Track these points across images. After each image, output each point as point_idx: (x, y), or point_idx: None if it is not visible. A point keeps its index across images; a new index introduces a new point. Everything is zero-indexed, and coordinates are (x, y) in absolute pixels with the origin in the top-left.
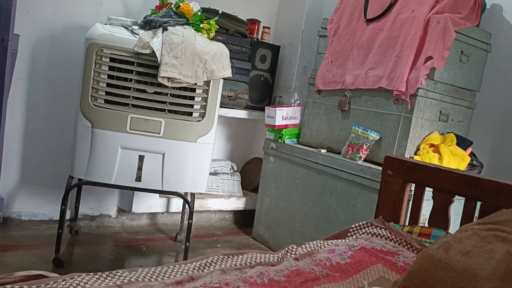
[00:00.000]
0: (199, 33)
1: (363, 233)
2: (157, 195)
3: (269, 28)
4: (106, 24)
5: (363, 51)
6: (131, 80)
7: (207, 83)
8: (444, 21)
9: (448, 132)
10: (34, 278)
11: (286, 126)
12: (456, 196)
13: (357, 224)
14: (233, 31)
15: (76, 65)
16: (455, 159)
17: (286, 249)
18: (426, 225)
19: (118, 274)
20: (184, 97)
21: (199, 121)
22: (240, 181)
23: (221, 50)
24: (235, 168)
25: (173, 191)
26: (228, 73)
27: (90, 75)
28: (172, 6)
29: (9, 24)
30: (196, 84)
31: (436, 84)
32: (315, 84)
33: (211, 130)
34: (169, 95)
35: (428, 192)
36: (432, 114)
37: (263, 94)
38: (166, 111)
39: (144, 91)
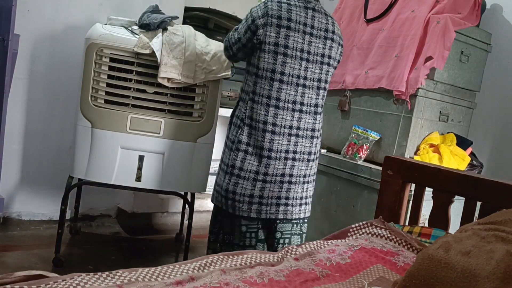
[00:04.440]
0: (199, 33)
1: (363, 233)
2: (157, 195)
3: None
4: (106, 24)
5: (363, 51)
6: (131, 80)
7: (206, 83)
8: (444, 21)
9: (448, 132)
10: (34, 278)
11: None
12: (456, 196)
13: (357, 224)
14: None
15: (76, 65)
16: (455, 159)
17: (286, 249)
18: (426, 225)
19: (118, 274)
20: (184, 97)
21: (199, 121)
22: None
23: (221, 50)
24: None
25: (173, 191)
26: (228, 73)
27: (90, 75)
28: None
29: (9, 24)
30: (196, 84)
31: (436, 84)
32: None
33: (211, 130)
34: (169, 95)
35: (428, 192)
36: (432, 114)
37: None
38: (166, 111)
39: (144, 91)
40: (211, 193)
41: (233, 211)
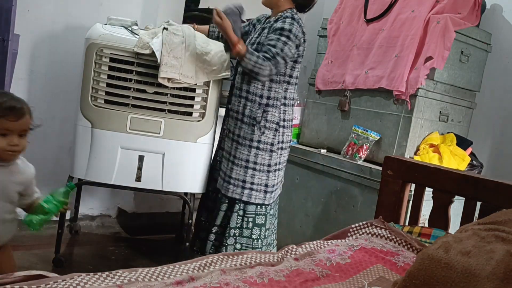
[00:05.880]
0: (199, 33)
1: (363, 233)
2: (157, 195)
3: None
4: (106, 24)
5: (363, 51)
6: (131, 80)
7: (207, 83)
8: (444, 21)
9: (448, 132)
10: (34, 278)
11: None
12: (456, 196)
13: (357, 224)
14: None
15: (76, 65)
16: (455, 159)
17: (286, 249)
18: (426, 225)
19: (118, 274)
20: (184, 97)
21: (199, 121)
22: None
23: (221, 50)
24: None
25: (173, 191)
26: (228, 73)
27: (90, 75)
28: None
29: (9, 24)
30: (196, 84)
31: (436, 84)
32: (315, 84)
33: (211, 130)
34: (169, 95)
35: (428, 192)
36: (432, 114)
37: None
38: (166, 111)
39: (144, 91)
40: None
41: (272, 201)
